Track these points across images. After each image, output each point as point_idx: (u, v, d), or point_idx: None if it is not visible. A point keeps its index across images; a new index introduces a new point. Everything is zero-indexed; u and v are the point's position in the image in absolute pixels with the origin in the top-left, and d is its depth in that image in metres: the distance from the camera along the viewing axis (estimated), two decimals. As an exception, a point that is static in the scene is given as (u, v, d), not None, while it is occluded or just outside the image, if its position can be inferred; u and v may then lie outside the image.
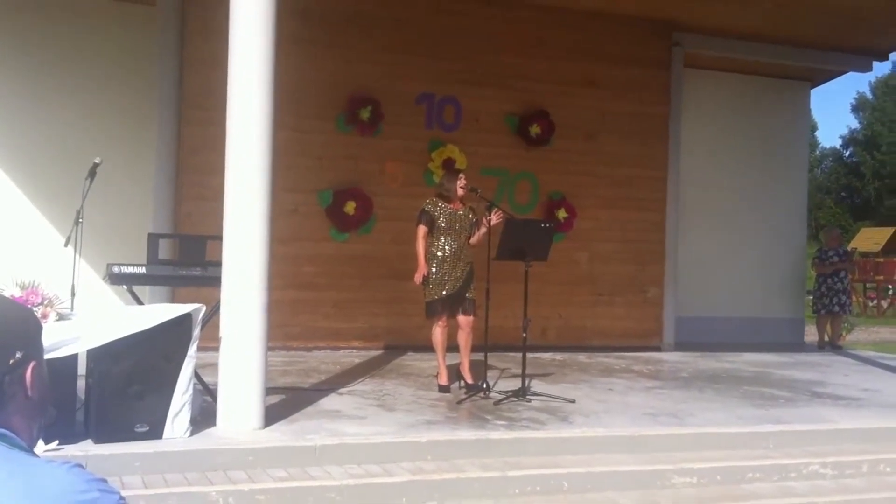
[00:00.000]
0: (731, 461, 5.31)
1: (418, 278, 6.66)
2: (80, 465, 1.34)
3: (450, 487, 4.66)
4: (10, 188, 8.74)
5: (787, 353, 10.37)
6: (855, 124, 50.42)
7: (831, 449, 5.64)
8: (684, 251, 10.76)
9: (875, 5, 9.35)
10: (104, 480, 1.35)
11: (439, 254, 6.67)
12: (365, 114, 9.02)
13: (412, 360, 8.40)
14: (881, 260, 23.68)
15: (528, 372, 6.62)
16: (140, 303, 5.74)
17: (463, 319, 6.74)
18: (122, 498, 1.35)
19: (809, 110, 13.29)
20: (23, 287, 4.61)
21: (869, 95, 48.75)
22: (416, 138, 9.30)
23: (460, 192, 6.76)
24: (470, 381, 6.68)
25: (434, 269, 6.64)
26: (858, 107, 49.50)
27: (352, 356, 8.58)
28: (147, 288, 7.14)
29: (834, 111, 69.70)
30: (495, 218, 6.52)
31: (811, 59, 11.33)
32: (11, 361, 1.38)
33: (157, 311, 4.91)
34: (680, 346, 10.24)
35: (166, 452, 4.56)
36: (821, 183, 46.52)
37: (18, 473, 1.28)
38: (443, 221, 6.69)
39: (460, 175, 6.89)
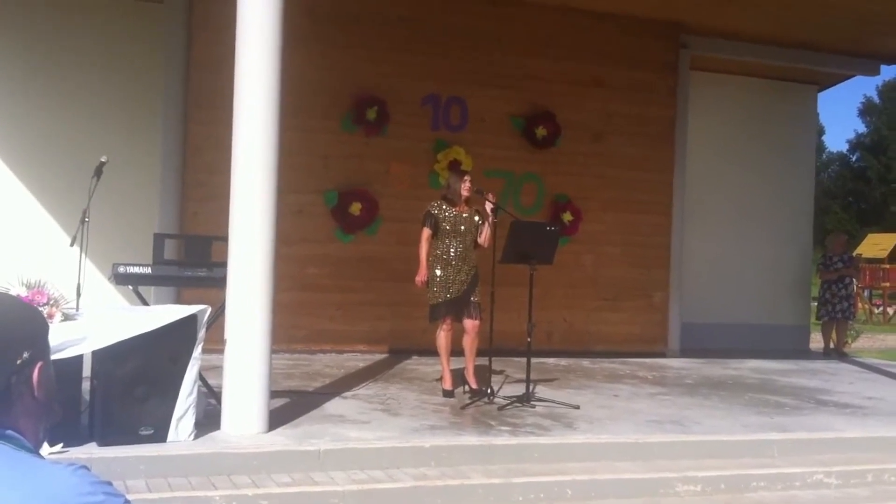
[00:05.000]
0: (735, 469, 5.30)
1: (419, 281, 6.65)
2: (85, 468, 1.33)
3: (453, 493, 4.65)
4: (17, 187, 8.74)
5: (791, 360, 10.31)
6: (862, 128, 50.33)
7: (836, 458, 5.62)
8: (689, 256, 10.71)
9: (883, 9, 9.30)
10: (109, 483, 1.34)
11: (444, 257, 6.64)
12: (371, 114, 9.01)
13: (416, 364, 8.39)
14: (887, 266, 23.56)
15: (532, 377, 6.59)
16: (145, 303, 5.74)
17: (468, 323, 6.70)
18: (127, 501, 1.34)
19: (816, 114, 13.24)
20: (29, 287, 4.59)
21: (876, 99, 48.60)
22: (422, 139, 9.28)
23: (465, 193, 6.74)
24: (474, 385, 6.65)
25: (438, 272, 6.62)
26: (866, 111, 49.34)
27: (356, 360, 8.56)
28: (152, 288, 7.14)
29: (841, 115, 69.58)
30: (489, 203, 6.53)
31: (818, 62, 11.27)
32: (19, 361, 1.37)
33: (163, 312, 4.90)
34: (685, 353, 10.19)
35: (170, 456, 4.56)
36: (827, 188, 46.37)
37: (24, 475, 1.28)
38: (447, 224, 6.67)
39: (465, 177, 6.85)
